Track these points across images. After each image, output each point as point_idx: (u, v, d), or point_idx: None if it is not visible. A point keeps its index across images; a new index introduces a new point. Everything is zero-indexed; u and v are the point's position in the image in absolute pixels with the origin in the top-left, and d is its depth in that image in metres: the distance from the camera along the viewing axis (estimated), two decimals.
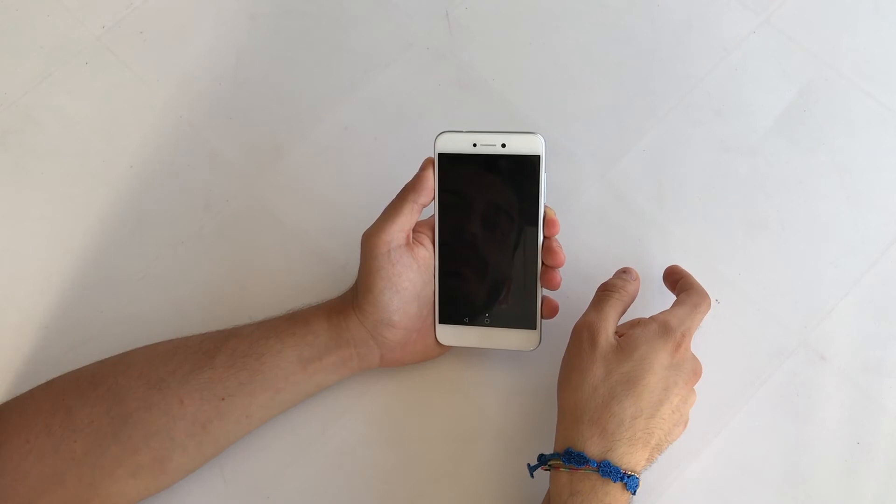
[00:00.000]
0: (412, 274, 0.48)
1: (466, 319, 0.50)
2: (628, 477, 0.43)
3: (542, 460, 0.46)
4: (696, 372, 0.47)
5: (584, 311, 0.48)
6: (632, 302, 0.50)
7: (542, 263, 0.49)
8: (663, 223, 0.57)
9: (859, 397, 0.52)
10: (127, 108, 0.63)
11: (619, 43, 0.63)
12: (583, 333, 0.46)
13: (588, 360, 0.45)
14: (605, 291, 0.49)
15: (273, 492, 0.51)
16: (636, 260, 0.56)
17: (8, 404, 0.47)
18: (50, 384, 0.47)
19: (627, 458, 0.44)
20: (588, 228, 0.57)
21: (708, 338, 0.54)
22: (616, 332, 0.47)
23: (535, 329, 0.50)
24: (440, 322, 0.51)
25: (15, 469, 0.43)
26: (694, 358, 0.47)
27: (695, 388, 0.47)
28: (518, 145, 0.48)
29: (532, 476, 0.47)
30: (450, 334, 0.51)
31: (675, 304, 0.49)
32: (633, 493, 0.44)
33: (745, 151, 0.59)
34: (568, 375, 0.46)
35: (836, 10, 0.64)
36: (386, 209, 0.48)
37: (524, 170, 0.48)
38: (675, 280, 0.52)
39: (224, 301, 0.56)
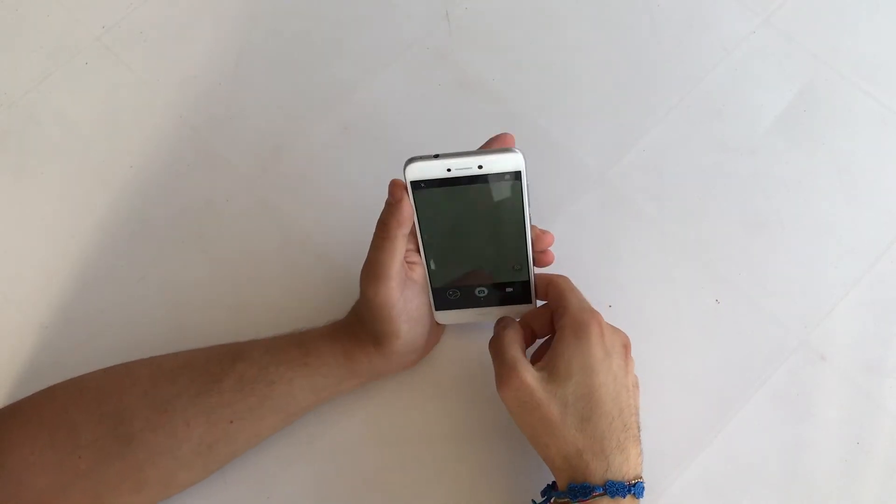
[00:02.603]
0: (419, 300, 0.48)
1: (463, 303, 0.51)
2: (634, 486, 0.43)
3: (547, 496, 0.46)
4: (626, 345, 0.47)
5: (495, 368, 0.46)
6: (522, 333, 0.48)
7: (533, 251, 0.49)
8: (663, 223, 0.57)
9: (859, 397, 0.52)
10: (127, 108, 0.63)
11: (619, 43, 0.63)
12: (512, 394, 0.45)
13: (537, 408, 0.44)
14: (495, 344, 0.47)
15: (273, 492, 0.51)
16: (636, 260, 0.56)
17: (9, 410, 0.47)
18: (53, 393, 0.47)
19: (625, 465, 0.43)
20: (588, 228, 0.57)
21: (708, 338, 0.54)
22: (533, 359, 0.47)
23: (530, 303, 0.50)
24: (437, 309, 0.51)
25: (19, 480, 0.43)
26: (616, 333, 0.47)
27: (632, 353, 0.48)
28: (496, 165, 0.44)
29: None
30: (447, 317, 0.51)
31: (556, 302, 0.48)
32: (642, 497, 0.44)
33: (745, 151, 0.59)
34: (534, 434, 0.45)
35: (836, 10, 0.64)
36: (375, 251, 0.45)
37: (505, 188, 0.45)
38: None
39: (224, 301, 0.56)
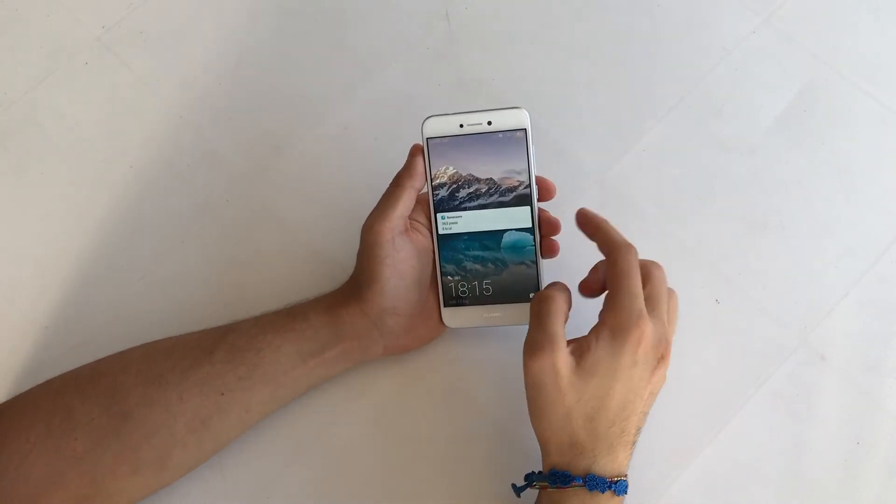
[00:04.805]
0: (413, 260, 0.49)
1: (470, 299, 0.51)
2: (615, 483, 0.43)
3: (529, 481, 0.46)
4: (663, 357, 0.45)
5: (530, 330, 0.46)
6: (570, 306, 0.47)
7: (540, 234, 0.50)
8: (663, 223, 0.57)
9: (859, 397, 0.52)
10: (127, 108, 0.63)
11: (619, 43, 0.63)
12: (537, 369, 0.44)
13: (555, 393, 0.44)
14: (542, 303, 0.46)
15: (273, 492, 0.51)
16: None
17: (7, 405, 0.47)
18: (49, 384, 0.47)
19: (611, 465, 0.44)
20: None
21: (708, 338, 0.54)
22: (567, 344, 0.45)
23: None
24: (445, 305, 0.51)
25: (16, 470, 0.43)
26: (656, 345, 0.44)
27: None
28: (504, 121, 0.49)
29: (518, 496, 0.47)
30: (455, 316, 0.51)
31: (610, 287, 0.45)
32: (625, 495, 0.44)
33: (745, 151, 0.59)
34: (540, 411, 0.45)
35: (836, 10, 0.64)
36: (382, 199, 0.49)
37: (512, 145, 0.49)
38: (592, 231, 0.48)
39: (224, 301, 0.56)
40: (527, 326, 0.51)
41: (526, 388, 0.46)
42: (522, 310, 0.50)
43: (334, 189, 0.59)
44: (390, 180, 0.50)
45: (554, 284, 0.49)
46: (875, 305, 0.55)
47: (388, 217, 0.48)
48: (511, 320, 0.51)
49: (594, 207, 0.58)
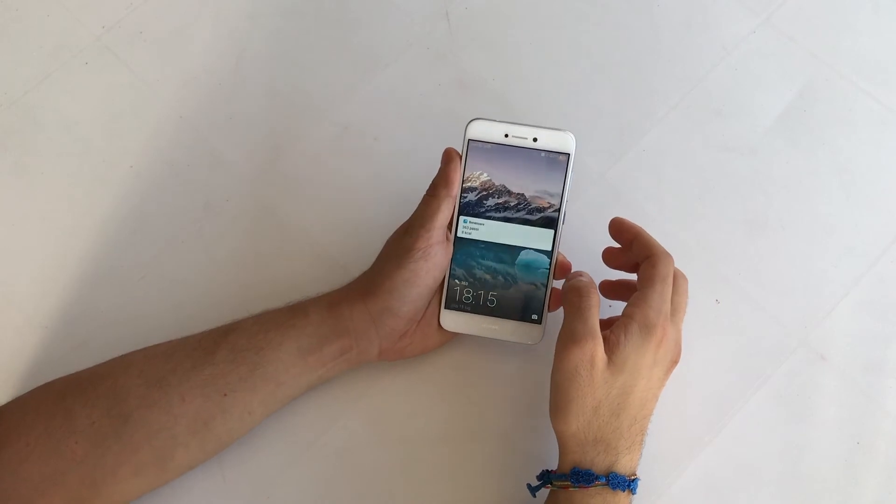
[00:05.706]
0: (437, 272, 0.49)
1: (472, 307, 0.51)
2: (632, 482, 0.44)
3: (546, 480, 0.46)
4: (674, 361, 0.47)
5: (568, 322, 0.46)
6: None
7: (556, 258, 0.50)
8: (663, 223, 0.57)
9: (859, 397, 0.52)
10: (127, 108, 0.63)
11: (619, 43, 0.63)
12: (576, 361, 0.44)
13: (588, 386, 0.44)
14: (583, 297, 0.46)
15: (273, 492, 0.51)
16: None
17: (7, 406, 0.47)
18: (50, 386, 0.47)
19: (629, 463, 0.45)
20: (588, 228, 0.57)
21: (708, 338, 0.54)
22: None
23: (539, 323, 0.50)
24: (445, 307, 0.51)
25: (15, 471, 0.43)
26: (672, 348, 0.46)
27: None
28: (550, 141, 0.49)
29: (534, 496, 0.47)
30: (453, 320, 0.51)
31: (644, 286, 0.46)
32: (636, 493, 0.45)
33: (745, 151, 0.59)
34: (566, 403, 0.44)
35: (836, 10, 0.64)
36: (421, 206, 0.49)
37: (552, 165, 0.49)
38: (629, 239, 0.49)
39: (224, 301, 0.56)
40: (522, 345, 0.51)
41: (555, 381, 0.46)
42: (521, 328, 0.50)
43: (334, 189, 0.59)
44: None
45: (582, 274, 0.49)
46: (875, 305, 0.55)
47: (427, 227, 0.48)
48: (507, 336, 0.51)
49: (594, 207, 0.58)
